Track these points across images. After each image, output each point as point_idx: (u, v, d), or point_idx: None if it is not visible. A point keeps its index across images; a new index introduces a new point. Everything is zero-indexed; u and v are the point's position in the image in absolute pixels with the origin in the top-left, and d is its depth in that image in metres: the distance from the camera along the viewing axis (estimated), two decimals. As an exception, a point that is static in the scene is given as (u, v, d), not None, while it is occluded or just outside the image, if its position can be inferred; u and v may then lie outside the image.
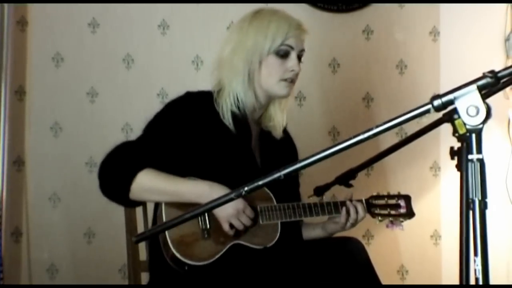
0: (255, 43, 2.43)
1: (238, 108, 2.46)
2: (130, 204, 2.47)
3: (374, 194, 2.62)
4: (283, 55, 2.44)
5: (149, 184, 2.35)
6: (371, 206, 2.59)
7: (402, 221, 2.61)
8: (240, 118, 2.47)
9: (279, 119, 2.57)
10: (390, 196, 2.62)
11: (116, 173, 2.35)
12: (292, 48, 2.45)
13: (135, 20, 3.64)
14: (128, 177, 2.33)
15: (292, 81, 2.49)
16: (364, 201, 2.58)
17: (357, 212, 2.53)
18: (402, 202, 2.61)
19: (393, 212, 2.59)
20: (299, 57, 2.48)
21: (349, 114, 3.76)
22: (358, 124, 3.70)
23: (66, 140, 3.59)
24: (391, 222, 2.60)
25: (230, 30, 2.52)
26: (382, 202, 2.60)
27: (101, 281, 3.53)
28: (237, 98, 2.46)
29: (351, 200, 2.55)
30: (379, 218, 2.59)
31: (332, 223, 2.58)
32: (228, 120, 2.44)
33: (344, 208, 2.52)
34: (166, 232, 2.32)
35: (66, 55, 3.60)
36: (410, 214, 2.61)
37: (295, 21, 2.49)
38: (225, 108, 2.45)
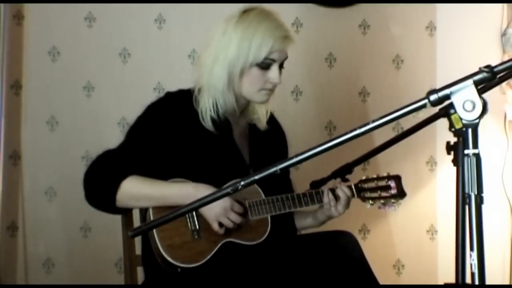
0: (237, 55, 2.39)
1: (218, 113, 2.45)
2: (118, 212, 2.47)
3: (363, 178, 2.60)
4: (265, 67, 2.41)
5: (134, 191, 2.35)
6: (361, 190, 2.56)
7: (394, 202, 2.59)
8: (219, 121, 2.46)
9: (262, 111, 2.57)
10: (379, 178, 2.58)
11: (100, 183, 2.36)
12: (274, 61, 2.42)
13: (131, 14, 3.63)
14: (112, 186, 2.34)
15: (272, 89, 2.48)
16: (353, 186, 2.57)
17: (336, 195, 2.52)
18: (392, 183, 2.57)
19: (384, 194, 2.56)
20: (281, 64, 2.46)
21: (345, 109, 3.76)
22: (354, 119, 3.70)
23: (62, 134, 3.59)
24: (383, 203, 2.58)
25: (214, 28, 2.47)
26: (372, 185, 2.57)
27: (97, 275, 3.53)
28: (216, 104, 2.45)
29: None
30: (370, 201, 2.57)
31: (321, 210, 2.57)
32: (207, 122, 2.44)
33: (324, 193, 2.51)
34: (156, 237, 2.32)
35: (62, 49, 3.60)
36: (401, 194, 2.57)
37: (281, 32, 2.43)
38: (204, 111, 2.44)
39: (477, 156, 1.40)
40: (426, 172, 3.80)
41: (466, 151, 1.40)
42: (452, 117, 1.41)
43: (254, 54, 2.38)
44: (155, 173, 2.38)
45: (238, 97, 2.48)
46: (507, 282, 3.71)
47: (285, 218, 2.57)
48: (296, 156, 1.47)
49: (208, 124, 2.44)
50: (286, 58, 2.47)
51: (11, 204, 3.53)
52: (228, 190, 1.53)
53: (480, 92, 1.40)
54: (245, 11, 2.46)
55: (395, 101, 3.65)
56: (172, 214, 1.64)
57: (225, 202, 2.34)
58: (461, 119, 1.40)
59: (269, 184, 2.45)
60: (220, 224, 2.36)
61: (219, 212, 2.34)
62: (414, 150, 3.73)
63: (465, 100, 1.39)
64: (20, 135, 3.57)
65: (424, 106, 1.41)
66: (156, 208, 2.36)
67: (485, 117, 1.40)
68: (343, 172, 2.61)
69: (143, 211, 2.57)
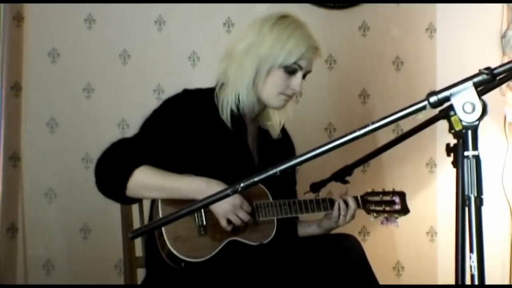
0: (269, 53, 2.42)
1: (238, 107, 2.47)
2: (127, 201, 2.46)
3: (369, 190, 2.63)
4: (290, 72, 2.44)
5: (146, 181, 2.35)
6: (366, 202, 2.61)
7: (397, 218, 2.62)
8: (237, 116, 2.47)
9: (276, 118, 2.59)
10: (385, 193, 2.63)
11: (112, 170, 2.35)
12: (301, 68, 2.45)
13: (131, 16, 3.63)
14: (124, 174, 2.33)
15: (290, 96, 2.50)
16: (359, 197, 2.60)
17: (347, 205, 2.54)
18: (396, 199, 2.62)
19: (388, 208, 2.60)
20: (304, 76, 2.49)
21: (345, 111, 3.76)
22: (354, 121, 3.70)
23: (62, 136, 3.59)
24: (386, 218, 2.62)
25: (250, 24, 2.50)
26: (377, 198, 2.61)
27: (97, 277, 3.53)
28: (239, 98, 2.46)
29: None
30: (374, 214, 2.60)
31: (327, 219, 2.59)
32: (226, 115, 2.45)
33: (336, 203, 2.53)
34: (163, 229, 2.32)
35: (62, 51, 3.60)
36: (405, 210, 2.63)
37: (314, 43, 2.49)
38: (225, 104, 2.46)
39: (477, 158, 1.40)
40: (426, 174, 3.80)
41: (466, 153, 1.40)
42: (452, 119, 1.41)
43: (285, 55, 2.42)
44: (167, 165, 2.38)
45: (258, 99, 2.49)
46: (506, 284, 3.71)
47: (289, 223, 2.58)
48: (296, 157, 1.47)
49: (226, 117, 2.45)
50: (310, 71, 2.51)
51: (11, 205, 3.53)
52: (228, 191, 1.53)
53: (480, 94, 1.40)
54: (282, 17, 2.50)
55: (395, 103, 3.66)
56: (172, 216, 1.63)
57: (235, 200, 2.34)
58: (461, 121, 1.40)
59: (275, 188, 2.47)
60: (228, 221, 2.36)
61: (228, 208, 2.34)
62: (414, 152, 3.73)
63: (465, 102, 1.39)
64: (20, 136, 3.57)
65: (424, 108, 1.41)
66: (164, 201, 2.37)
67: (485, 119, 1.40)
68: (343, 174, 2.61)
69: (142, 209, 2.58)
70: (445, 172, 3.73)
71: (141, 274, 2.60)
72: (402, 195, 2.64)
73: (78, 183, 3.50)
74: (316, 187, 2.65)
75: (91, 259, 3.57)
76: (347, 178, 2.63)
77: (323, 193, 2.64)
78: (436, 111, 1.47)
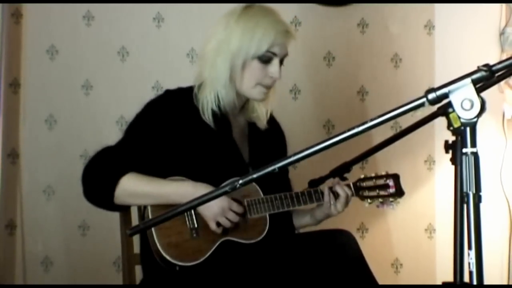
0: (239, 47, 2.39)
1: (219, 106, 2.46)
2: (116, 209, 2.46)
3: (362, 176, 2.60)
4: (266, 60, 2.42)
5: (133, 188, 2.35)
6: (360, 189, 2.57)
7: (392, 201, 2.59)
8: (219, 115, 2.46)
9: (262, 109, 2.57)
10: (378, 177, 2.59)
11: (99, 180, 2.35)
12: (275, 55, 2.42)
13: (130, 13, 3.63)
14: (111, 183, 2.33)
15: (269, 87, 2.48)
16: (351, 184, 2.57)
17: (335, 193, 2.53)
18: (390, 182, 2.58)
19: (382, 192, 2.57)
20: (281, 61, 2.46)
21: (343, 108, 3.76)
22: (352, 118, 3.70)
23: (60, 133, 3.59)
24: (381, 202, 2.59)
25: (216, 22, 2.49)
26: (370, 183, 2.58)
27: (95, 273, 3.53)
28: (218, 97, 2.45)
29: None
30: (369, 200, 2.57)
31: (319, 209, 2.57)
32: (208, 116, 2.44)
33: (325, 191, 2.51)
34: (154, 235, 2.32)
35: (60, 48, 3.60)
36: (399, 193, 2.58)
37: (283, 26, 2.45)
38: (206, 105, 2.44)
39: (475, 154, 1.40)
40: (424, 171, 3.80)
41: (464, 150, 1.40)
42: (450, 115, 1.41)
43: (256, 46, 2.39)
44: (154, 170, 2.38)
45: (238, 93, 2.48)
46: (505, 281, 3.71)
47: (283, 217, 2.57)
48: (295, 154, 1.47)
49: (208, 118, 2.44)
50: (286, 54, 2.47)
51: (10, 202, 3.53)
52: (227, 188, 1.53)
53: (479, 90, 1.40)
54: (246, 7, 2.47)
55: (393, 100, 3.65)
56: (170, 212, 1.63)
57: (223, 202, 2.33)
58: (459, 117, 1.40)
59: (267, 183, 2.45)
60: (218, 224, 2.36)
61: (217, 211, 2.34)
62: (413, 149, 3.73)
63: (463, 98, 1.39)
64: (18, 133, 3.57)
65: (422, 104, 1.41)
66: (154, 207, 2.36)
67: (483, 115, 1.40)
68: (341, 171, 2.61)
69: (141, 210, 2.57)
70: (444, 169, 3.73)
71: (139, 271, 2.60)
72: (396, 177, 2.59)
73: (77, 180, 3.45)
74: (314, 184, 2.64)
75: (89, 256, 3.57)
76: (346, 175, 2.62)
77: (321, 190, 2.63)
78: (435, 108, 1.47)
